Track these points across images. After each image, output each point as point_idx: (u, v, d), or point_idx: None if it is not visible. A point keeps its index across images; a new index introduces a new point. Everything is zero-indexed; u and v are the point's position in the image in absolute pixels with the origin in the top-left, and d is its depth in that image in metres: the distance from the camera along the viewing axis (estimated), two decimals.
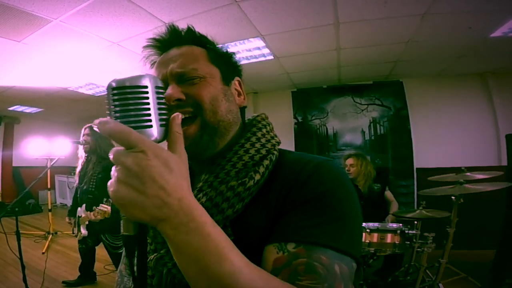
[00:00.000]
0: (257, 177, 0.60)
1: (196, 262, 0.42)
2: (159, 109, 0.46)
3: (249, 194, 0.59)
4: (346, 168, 3.26)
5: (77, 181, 2.94)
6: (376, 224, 2.59)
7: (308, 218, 0.54)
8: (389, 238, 2.50)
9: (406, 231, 2.50)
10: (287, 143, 5.37)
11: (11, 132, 7.83)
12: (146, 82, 0.45)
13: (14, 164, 7.79)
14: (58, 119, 8.08)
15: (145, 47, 0.70)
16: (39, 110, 6.78)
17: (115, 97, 0.44)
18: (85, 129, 2.85)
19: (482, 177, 2.54)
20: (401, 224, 2.59)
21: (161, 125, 0.46)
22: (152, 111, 0.45)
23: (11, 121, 7.71)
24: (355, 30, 2.94)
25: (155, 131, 0.45)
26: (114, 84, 0.44)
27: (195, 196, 0.55)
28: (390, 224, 2.63)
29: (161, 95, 0.48)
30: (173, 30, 0.68)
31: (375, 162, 4.73)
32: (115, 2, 2.36)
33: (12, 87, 4.82)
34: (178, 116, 0.48)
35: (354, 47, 3.40)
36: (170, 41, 0.68)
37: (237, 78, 0.72)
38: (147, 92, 0.45)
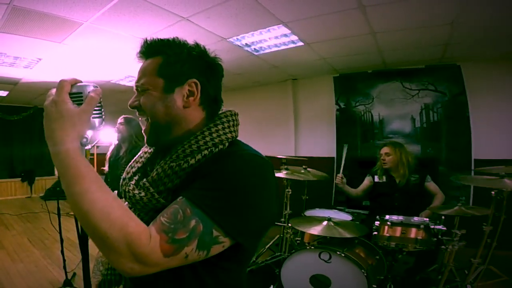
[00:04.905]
0: (192, 161, 0.80)
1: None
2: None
3: (185, 173, 0.80)
4: (382, 158, 3.22)
5: (107, 167, 3.24)
6: (400, 217, 2.58)
7: (200, 184, 0.74)
8: (412, 233, 2.47)
9: (431, 226, 2.46)
10: (329, 130, 5.38)
11: None
12: (80, 90, 0.74)
13: None
14: (105, 109, 8.94)
15: (138, 57, 0.91)
16: None
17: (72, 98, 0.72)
18: (120, 118, 3.12)
19: None
20: (427, 219, 2.55)
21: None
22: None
23: None
24: (385, 13, 2.87)
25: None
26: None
27: (153, 171, 0.85)
28: (415, 218, 2.60)
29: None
30: (143, 45, 0.89)
31: (427, 152, 4.57)
32: (133, 2, 2.63)
33: None
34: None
35: (390, 31, 3.31)
36: (142, 54, 0.89)
37: (191, 80, 0.85)
38: (81, 97, 0.73)
